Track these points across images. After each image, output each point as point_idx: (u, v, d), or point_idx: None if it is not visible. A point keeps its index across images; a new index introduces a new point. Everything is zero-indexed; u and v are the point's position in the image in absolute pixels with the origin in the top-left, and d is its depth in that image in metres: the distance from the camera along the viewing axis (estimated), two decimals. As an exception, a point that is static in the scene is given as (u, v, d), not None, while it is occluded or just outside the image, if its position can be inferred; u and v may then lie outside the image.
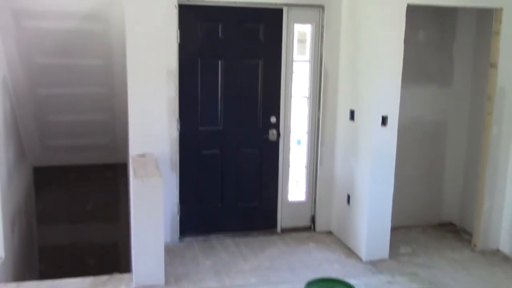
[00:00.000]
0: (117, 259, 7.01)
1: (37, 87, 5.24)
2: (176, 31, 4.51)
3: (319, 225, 5.15)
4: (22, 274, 5.06)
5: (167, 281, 3.94)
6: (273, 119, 4.93)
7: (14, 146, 5.06)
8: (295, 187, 5.21)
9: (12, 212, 4.79)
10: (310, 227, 5.19)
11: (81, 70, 5.23)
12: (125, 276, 4.06)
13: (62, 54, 5.05)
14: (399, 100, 4.35)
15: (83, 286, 3.86)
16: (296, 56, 4.93)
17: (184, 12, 4.53)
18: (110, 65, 5.22)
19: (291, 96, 4.97)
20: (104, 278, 3.99)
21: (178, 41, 4.54)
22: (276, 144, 4.98)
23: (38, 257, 6.56)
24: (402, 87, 4.35)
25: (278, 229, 5.12)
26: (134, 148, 4.54)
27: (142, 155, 4.49)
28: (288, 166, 5.08)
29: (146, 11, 4.38)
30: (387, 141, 4.37)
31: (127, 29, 4.37)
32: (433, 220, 5.44)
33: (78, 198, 7.19)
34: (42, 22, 4.79)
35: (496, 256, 4.66)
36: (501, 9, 4.45)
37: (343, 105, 4.87)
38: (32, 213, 6.28)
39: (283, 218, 5.13)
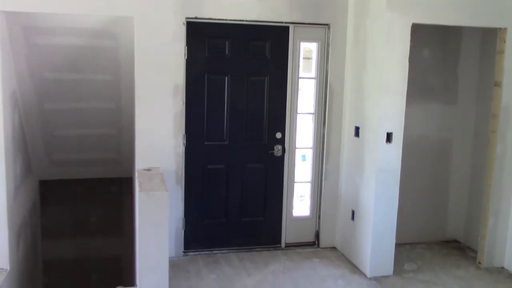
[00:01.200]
0: (120, 273, 7.00)
1: (45, 101, 5.30)
2: (184, 48, 4.58)
3: (324, 241, 5.15)
4: (26, 287, 5.06)
5: (171, 295, 3.95)
6: (278, 135, 4.97)
7: (21, 160, 5.10)
8: (299, 202, 5.23)
9: (18, 225, 4.81)
10: (315, 243, 5.19)
11: (89, 86, 5.29)
12: (130, 290, 4.07)
13: (70, 69, 5.12)
14: (404, 117, 4.38)
15: (87, 299, 3.86)
16: (302, 73, 5.00)
17: (192, 29, 4.60)
18: (118, 80, 5.28)
19: (296, 113, 5.01)
20: (108, 291, 4.01)
21: (186, 57, 4.61)
22: (281, 159, 5.01)
23: (42, 270, 6.55)
24: (407, 104, 4.39)
25: (282, 244, 5.13)
26: (140, 163, 4.58)
27: (148, 169, 4.52)
28: (293, 181, 5.10)
29: (155, 28, 4.46)
30: (392, 158, 4.40)
31: (136, 45, 4.44)
32: (438, 237, 5.43)
33: (82, 212, 7.20)
34: (51, 38, 4.87)
35: (501, 274, 4.64)
36: (505, 29, 4.50)
37: (348, 122, 4.91)
38: (37, 227, 6.30)
39: (287, 234, 5.14)
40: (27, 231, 5.37)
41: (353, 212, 4.77)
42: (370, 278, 4.45)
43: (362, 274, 4.53)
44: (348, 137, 4.89)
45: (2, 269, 4.36)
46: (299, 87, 4.99)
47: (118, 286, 4.10)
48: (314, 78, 5.02)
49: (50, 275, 6.71)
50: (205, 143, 4.84)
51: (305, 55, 5.04)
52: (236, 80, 4.82)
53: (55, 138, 5.69)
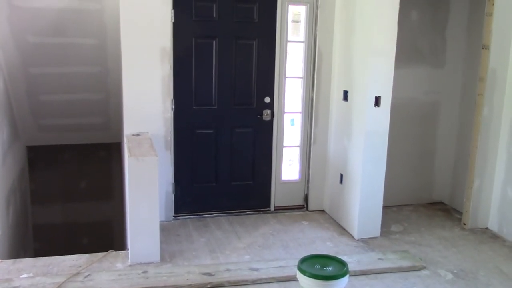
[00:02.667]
0: (111, 237, 7.07)
1: (30, 66, 5.23)
2: (171, 11, 4.50)
3: (312, 204, 5.22)
4: (17, 252, 5.11)
5: (162, 258, 4.00)
6: (267, 99, 4.96)
7: (8, 125, 5.06)
8: (288, 166, 5.27)
9: (7, 191, 4.81)
10: (303, 206, 5.26)
11: (75, 50, 5.22)
12: (121, 253, 4.11)
13: (55, 33, 5.04)
14: (392, 81, 4.38)
15: (79, 263, 3.91)
16: (290, 36, 4.95)
17: (179, -9, 4.52)
18: (104, 44, 5.21)
19: (285, 77, 4.99)
20: (100, 255, 4.04)
21: (173, 20, 4.54)
22: (270, 124, 5.02)
23: (32, 236, 6.60)
24: (395, 67, 4.38)
25: (272, 208, 5.19)
26: (129, 128, 4.56)
27: (137, 134, 4.51)
28: (282, 145, 5.13)
29: (140, -10, 4.36)
30: (380, 121, 4.42)
31: (121, 8, 4.35)
32: (424, 199, 5.53)
33: (71, 177, 7.20)
34: (34, 0, 4.76)
35: (485, 234, 4.76)
36: (494, -9, 4.47)
37: (336, 86, 4.91)
38: (26, 192, 6.30)
39: (276, 197, 5.20)
40: (16, 197, 5.38)
41: (341, 176, 4.83)
42: (358, 240, 4.54)
43: (350, 236, 4.62)
44: (337, 101, 4.90)
45: (-7, 234, 4.39)
46: (287, 51, 4.95)
47: (110, 250, 4.14)
48: (303, 41, 4.99)
49: (40, 240, 6.76)
50: (194, 108, 4.82)
51: (294, 18, 4.98)
52: (224, 44, 4.77)
53: (42, 103, 5.64)
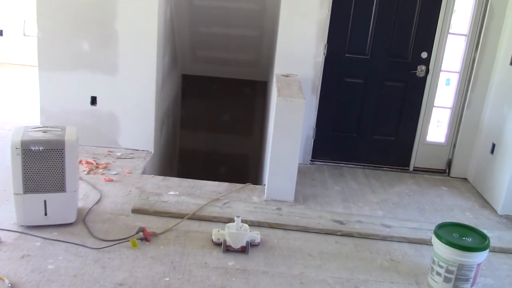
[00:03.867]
0: (246, 170, 7.39)
1: (194, -2, 5.44)
2: (337, -48, 4.39)
3: (455, 171, 4.96)
4: (164, 170, 5.56)
5: (296, 199, 4.10)
6: (424, 54, 4.71)
7: (169, 52, 5.39)
8: (435, 128, 5.02)
9: (162, 114, 5.20)
10: (445, 171, 5.02)
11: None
12: (258, 187, 4.29)
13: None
14: None
15: (219, 189, 4.16)
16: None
17: None
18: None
19: (447, 32, 4.66)
20: (238, 186, 4.26)
21: (337, -38, 4.43)
22: (423, 80, 4.78)
23: (178, 157, 7.12)
24: None
25: (411, 167, 5.03)
26: (279, 67, 4.63)
27: (286, 75, 4.57)
28: (432, 105, 4.88)
29: None
30: (550, 92, 3.99)
31: None
32: None
33: (217, 109, 7.56)
34: None
35: None
36: None
37: (505, 48, 4.48)
38: (177, 117, 6.76)
39: (417, 158, 5.01)
40: (169, 119, 5.80)
41: (493, 145, 4.49)
42: (501, 216, 4.25)
43: (493, 210, 4.34)
44: (502, 64, 4.49)
45: (148, 151, 4.81)
46: (454, 6, 4.60)
47: (248, 183, 4.33)
48: (474, -5, 4.59)
49: (184, 162, 7.28)
50: (346, 55, 4.74)
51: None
52: (387, -9, 4.57)
53: (201, 34, 5.89)
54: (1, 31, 8.17)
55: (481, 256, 2.94)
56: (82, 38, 4.53)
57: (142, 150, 4.81)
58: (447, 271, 2.95)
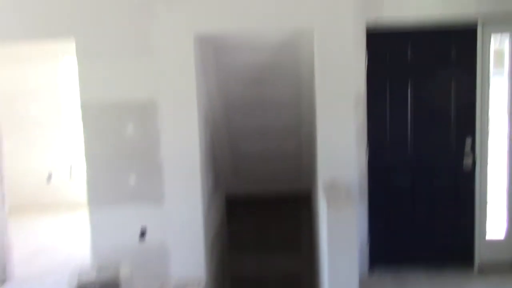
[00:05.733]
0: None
1: (232, 117, 5.53)
2: (365, 56, 4.50)
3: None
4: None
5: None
6: (468, 142, 4.59)
7: (212, 177, 5.40)
8: (494, 221, 4.73)
9: (211, 239, 5.07)
10: (512, 269, 4.66)
11: (271, 101, 5.40)
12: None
13: (255, 84, 5.24)
14: None
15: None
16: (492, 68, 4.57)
17: (372, 36, 4.52)
18: (299, 94, 5.32)
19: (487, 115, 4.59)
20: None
21: (366, 65, 4.52)
22: (471, 173, 4.62)
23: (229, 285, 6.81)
24: None
25: (475, 267, 4.70)
26: (322, 177, 4.53)
27: (332, 184, 4.46)
28: (486, 198, 4.65)
29: (334, 38, 4.37)
30: None
31: (316, 57, 4.41)
32: None
33: (261, 228, 7.38)
34: (237, 55, 5.05)
35: None
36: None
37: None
38: (225, 240, 6.59)
39: (481, 256, 4.70)
40: (217, 244, 5.65)
41: None
42: None
43: None
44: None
45: (199, 281, 4.61)
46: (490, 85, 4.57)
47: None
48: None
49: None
50: (388, 157, 4.68)
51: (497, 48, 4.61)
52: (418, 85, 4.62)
53: (240, 153, 5.94)
54: (51, 175, 8.47)
55: None
56: (128, 171, 4.60)
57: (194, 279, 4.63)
58: None
